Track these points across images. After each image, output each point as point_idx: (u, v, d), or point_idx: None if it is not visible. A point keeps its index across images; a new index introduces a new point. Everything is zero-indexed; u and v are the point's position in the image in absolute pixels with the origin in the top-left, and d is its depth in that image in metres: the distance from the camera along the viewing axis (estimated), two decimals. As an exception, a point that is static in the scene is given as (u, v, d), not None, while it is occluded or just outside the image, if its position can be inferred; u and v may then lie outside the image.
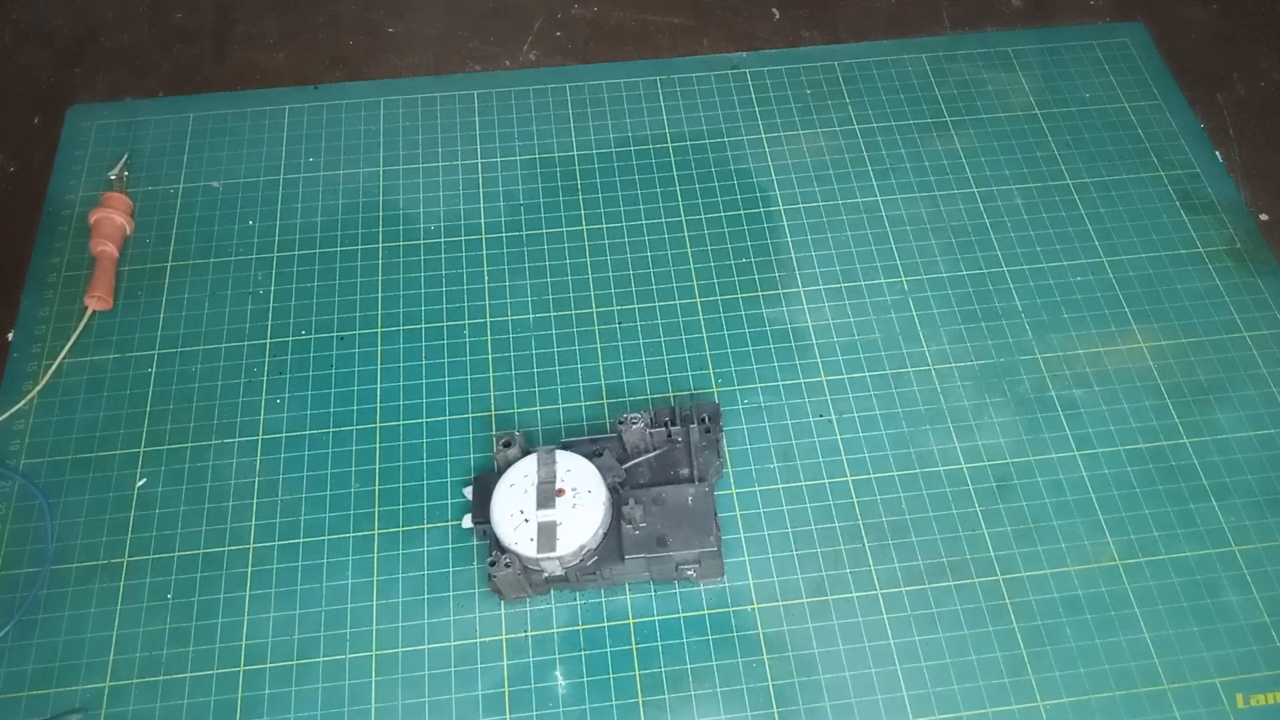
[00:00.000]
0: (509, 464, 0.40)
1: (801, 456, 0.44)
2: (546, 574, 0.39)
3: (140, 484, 0.43)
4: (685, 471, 0.41)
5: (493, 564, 0.38)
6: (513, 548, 0.38)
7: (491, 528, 0.39)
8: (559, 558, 0.38)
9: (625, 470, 0.41)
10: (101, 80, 0.56)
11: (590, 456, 0.40)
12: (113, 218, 0.49)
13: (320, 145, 0.53)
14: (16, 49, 0.58)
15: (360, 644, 0.39)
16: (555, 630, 0.40)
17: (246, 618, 0.40)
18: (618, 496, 0.40)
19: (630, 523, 0.39)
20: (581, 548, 0.38)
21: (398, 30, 0.59)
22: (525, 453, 0.41)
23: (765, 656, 0.39)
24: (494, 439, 0.43)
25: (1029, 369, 0.46)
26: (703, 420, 0.42)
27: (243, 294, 0.48)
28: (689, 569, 0.40)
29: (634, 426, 0.41)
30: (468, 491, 0.42)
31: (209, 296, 0.48)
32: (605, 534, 0.39)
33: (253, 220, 0.50)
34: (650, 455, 0.42)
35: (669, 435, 0.42)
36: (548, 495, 0.39)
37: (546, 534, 0.38)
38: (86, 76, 0.57)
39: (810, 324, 0.47)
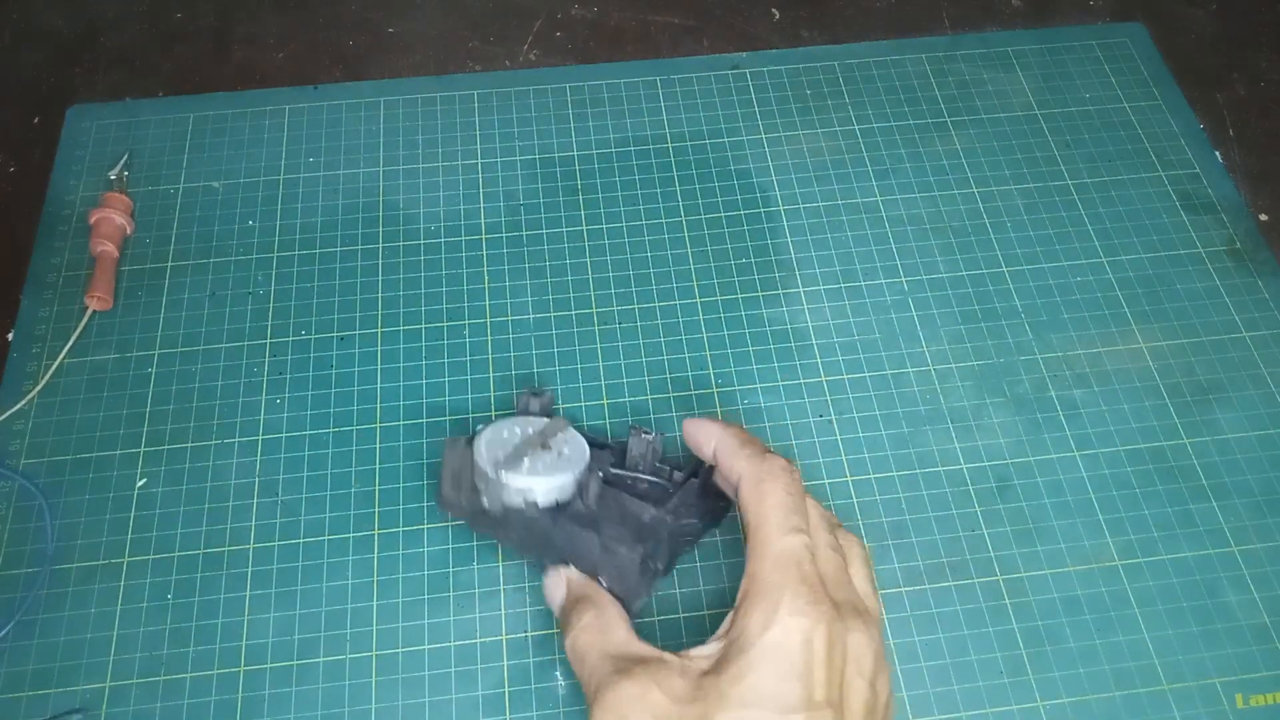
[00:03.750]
0: (526, 413, 0.40)
1: (801, 456, 0.44)
2: (488, 504, 0.38)
3: (140, 484, 0.43)
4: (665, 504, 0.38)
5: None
6: (479, 455, 0.38)
7: (476, 441, 0.38)
8: (515, 488, 0.37)
9: (614, 472, 0.40)
10: (101, 80, 0.56)
11: (590, 445, 0.40)
12: (113, 218, 0.49)
13: (320, 145, 0.53)
14: (16, 49, 0.58)
15: (360, 644, 0.39)
16: (555, 631, 0.40)
17: (246, 618, 0.40)
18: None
19: (583, 494, 0.37)
20: (547, 491, 0.37)
21: (398, 30, 0.59)
22: (545, 415, 0.40)
23: (765, 656, 0.39)
24: (520, 394, 0.42)
25: (1029, 369, 0.46)
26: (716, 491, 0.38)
27: (243, 294, 0.48)
28: (602, 577, 0.37)
29: (643, 437, 0.39)
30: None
31: (209, 296, 0.48)
32: (557, 504, 0.37)
33: (253, 220, 0.50)
34: (642, 475, 0.39)
35: (669, 474, 0.39)
36: (538, 443, 0.38)
37: (518, 455, 0.38)
38: (86, 76, 0.57)
39: (810, 324, 0.47)
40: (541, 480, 0.37)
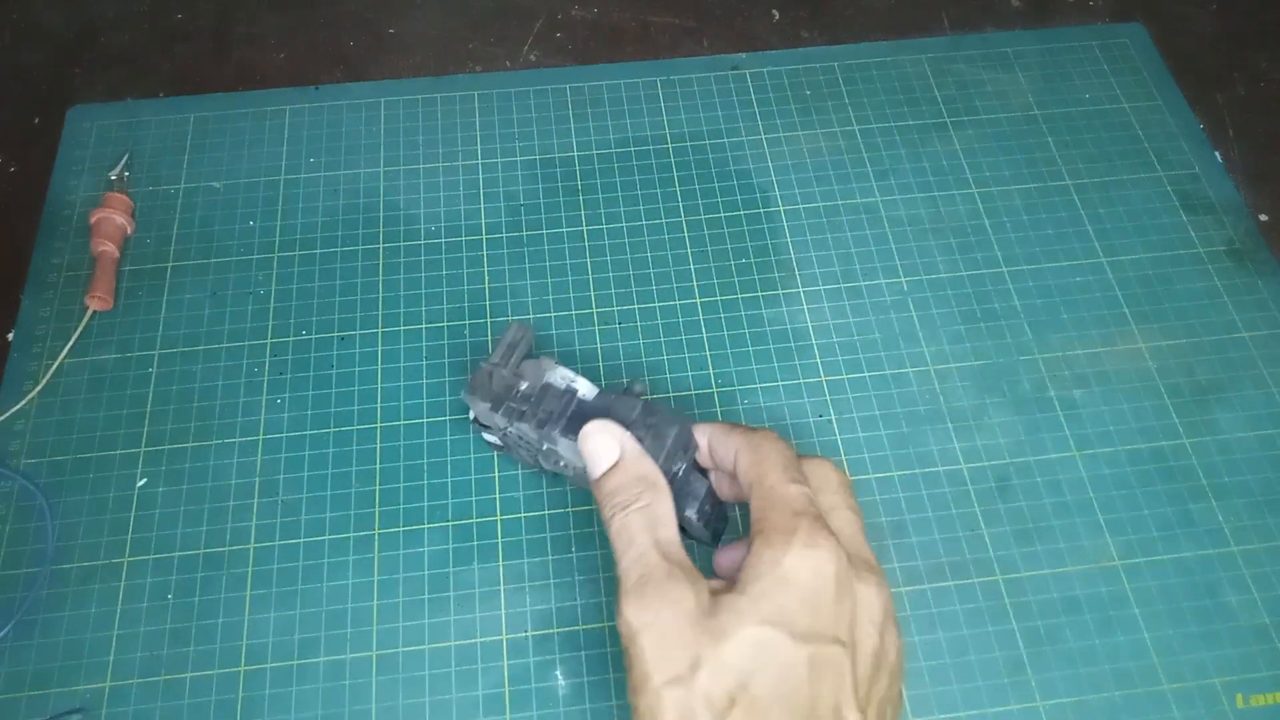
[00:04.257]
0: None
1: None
2: (527, 383, 0.38)
3: (140, 484, 0.43)
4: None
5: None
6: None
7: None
8: (562, 374, 0.38)
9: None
10: (101, 80, 0.56)
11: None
12: (113, 218, 0.49)
13: (320, 145, 0.53)
14: (16, 49, 0.58)
15: (361, 644, 0.40)
16: (555, 630, 0.40)
17: (247, 618, 0.40)
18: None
19: (629, 389, 0.37)
20: (563, 382, 0.38)
21: (398, 30, 0.59)
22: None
23: (765, 656, 0.39)
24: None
25: (1029, 369, 0.46)
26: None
27: (243, 294, 0.48)
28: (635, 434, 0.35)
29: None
30: (487, 435, 0.41)
31: (209, 296, 0.48)
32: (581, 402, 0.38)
33: (253, 220, 0.50)
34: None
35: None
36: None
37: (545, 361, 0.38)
38: (86, 76, 0.57)
39: (810, 324, 0.48)
40: (586, 380, 0.38)
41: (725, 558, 0.35)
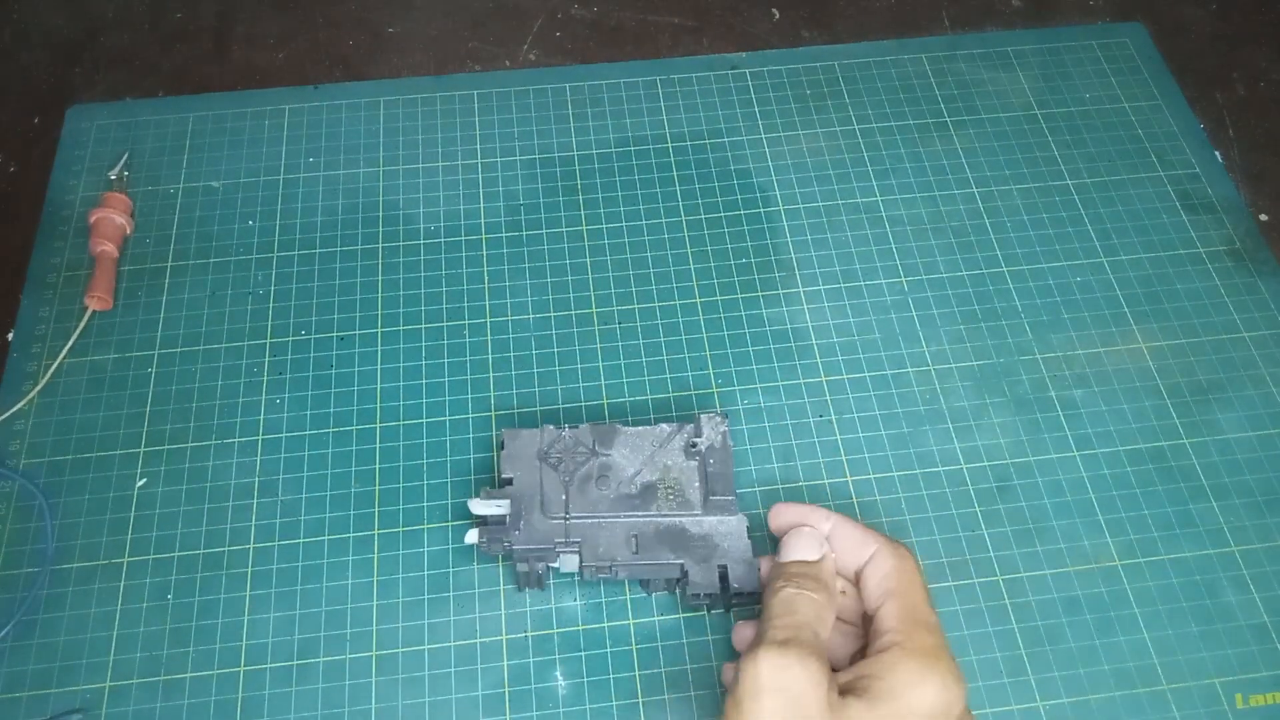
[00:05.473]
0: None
1: (801, 456, 0.44)
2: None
3: (140, 484, 0.43)
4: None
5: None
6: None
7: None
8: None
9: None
10: (101, 80, 0.56)
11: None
12: (113, 218, 0.49)
13: (320, 145, 0.53)
14: (16, 49, 0.58)
15: (360, 644, 0.39)
16: (555, 630, 0.40)
17: (246, 618, 0.40)
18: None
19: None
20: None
21: (398, 30, 0.59)
22: None
23: (765, 656, 0.39)
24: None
25: (1029, 369, 0.46)
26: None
27: (243, 294, 0.48)
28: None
29: (714, 419, 0.41)
30: (476, 505, 0.40)
31: (209, 296, 0.48)
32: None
33: (253, 220, 0.50)
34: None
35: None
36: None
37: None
38: (86, 76, 0.57)
39: (810, 324, 0.47)
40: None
41: (745, 635, 0.36)
